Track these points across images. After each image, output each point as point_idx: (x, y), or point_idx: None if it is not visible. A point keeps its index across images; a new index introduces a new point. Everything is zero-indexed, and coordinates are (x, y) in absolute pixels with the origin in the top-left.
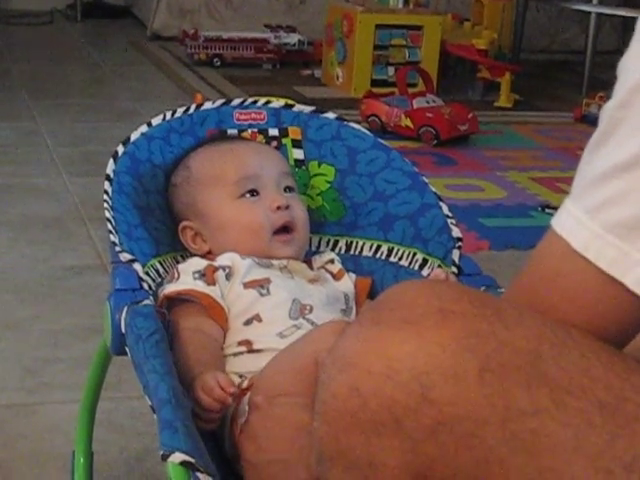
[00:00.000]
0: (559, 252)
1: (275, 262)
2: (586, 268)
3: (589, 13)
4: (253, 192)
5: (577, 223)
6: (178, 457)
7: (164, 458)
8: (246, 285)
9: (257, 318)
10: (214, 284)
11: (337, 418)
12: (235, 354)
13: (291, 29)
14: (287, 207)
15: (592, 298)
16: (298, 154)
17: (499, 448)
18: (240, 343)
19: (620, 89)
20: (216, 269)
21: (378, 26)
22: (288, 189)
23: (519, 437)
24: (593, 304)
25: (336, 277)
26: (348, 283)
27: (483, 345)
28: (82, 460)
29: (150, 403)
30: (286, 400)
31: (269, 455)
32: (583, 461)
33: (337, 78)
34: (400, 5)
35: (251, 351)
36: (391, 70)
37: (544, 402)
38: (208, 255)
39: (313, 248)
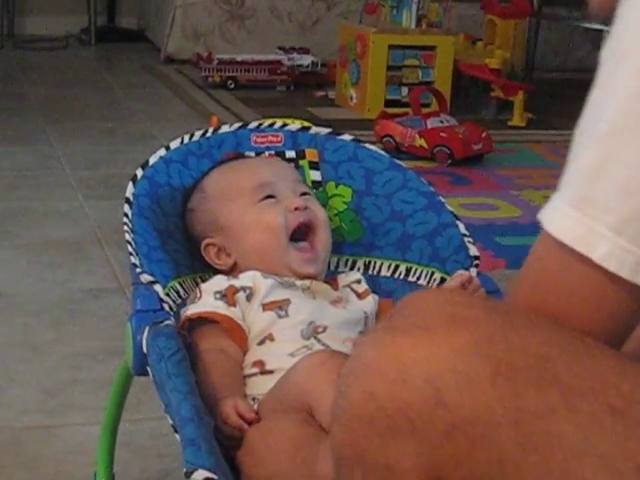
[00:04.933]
0: (543, 244)
1: (298, 283)
2: (564, 254)
3: (601, 31)
4: (270, 197)
5: (553, 209)
6: (201, 474)
7: (187, 475)
8: (265, 307)
9: (270, 337)
10: (234, 305)
11: (354, 423)
12: (249, 375)
13: (304, 51)
14: (305, 208)
15: (579, 288)
16: (315, 176)
17: (512, 449)
18: (254, 364)
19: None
20: (237, 290)
21: (391, 47)
22: (305, 194)
23: (531, 438)
24: (581, 295)
25: (361, 296)
26: (371, 303)
27: (494, 349)
28: None
29: (172, 422)
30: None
31: (268, 469)
32: (594, 462)
33: (351, 99)
34: (413, 25)
35: (263, 372)
36: (404, 90)
37: (555, 404)
38: (232, 271)
39: (332, 268)
